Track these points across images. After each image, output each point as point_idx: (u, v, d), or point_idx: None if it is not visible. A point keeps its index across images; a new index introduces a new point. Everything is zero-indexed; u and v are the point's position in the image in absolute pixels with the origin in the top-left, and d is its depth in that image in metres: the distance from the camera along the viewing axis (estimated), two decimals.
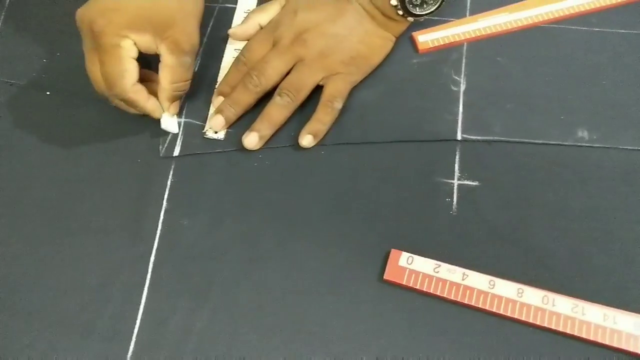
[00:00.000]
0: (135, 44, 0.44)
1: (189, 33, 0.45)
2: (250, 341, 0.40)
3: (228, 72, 0.50)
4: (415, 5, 0.48)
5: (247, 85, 0.47)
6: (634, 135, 0.45)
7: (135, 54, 0.44)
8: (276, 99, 0.47)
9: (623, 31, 0.50)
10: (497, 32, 0.50)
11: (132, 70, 0.44)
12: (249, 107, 0.48)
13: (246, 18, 0.52)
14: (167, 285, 0.42)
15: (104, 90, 0.45)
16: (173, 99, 0.47)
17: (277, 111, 0.47)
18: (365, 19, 0.49)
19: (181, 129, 0.48)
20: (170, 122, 0.47)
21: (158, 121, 0.47)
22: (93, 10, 0.43)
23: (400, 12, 0.48)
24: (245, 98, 0.47)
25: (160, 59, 0.45)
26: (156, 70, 0.46)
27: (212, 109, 0.49)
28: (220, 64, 0.51)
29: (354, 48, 0.48)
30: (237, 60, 0.50)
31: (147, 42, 0.44)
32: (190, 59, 0.45)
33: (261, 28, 0.51)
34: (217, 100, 0.49)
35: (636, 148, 0.44)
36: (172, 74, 0.45)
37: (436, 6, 0.48)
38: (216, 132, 0.48)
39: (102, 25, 0.42)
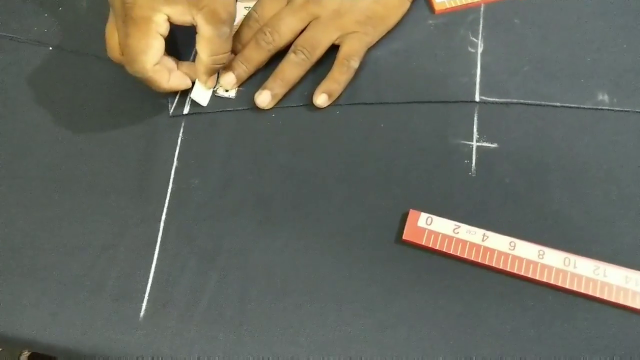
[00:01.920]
0: (168, 18, 0.41)
1: (226, 1, 0.42)
2: (261, 304, 0.39)
3: (239, 28, 0.48)
4: None
5: (260, 42, 0.46)
6: None
7: (165, 31, 0.41)
8: (290, 56, 0.45)
9: None
10: None
11: (157, 47, 0.41)
12: (261, 65, 0.47)
13: None
14: (177, 245, 0.41)
15: (119, 60, 0.43)
16: (212, 72, 0.45)
17: (291, 69, 0.45)
18: None
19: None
20: (202, 94, 0.46)
21: None
22: None
23: None
24: (257, 55, 0.46)
25: (197, 31, 0.42)
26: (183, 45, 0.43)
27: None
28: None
29: (370, 8, 0.47)
30: (249, 16, 0.48)
31: (182, 12, 0.41)
32: (228, 29, 0.42)
33: None
34: None
35: None
36: (211, 46, 0.42)
37: None
38: (227, 91, 0.46)
39: None
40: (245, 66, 0.46)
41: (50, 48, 0.49)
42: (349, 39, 0.46)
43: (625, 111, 0.43)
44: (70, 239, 0.41)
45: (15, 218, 0.42)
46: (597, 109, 0.44)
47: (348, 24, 0.46)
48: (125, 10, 0.40)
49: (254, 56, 0.46)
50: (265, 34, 0.46)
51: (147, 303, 0.39)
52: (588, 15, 0.48)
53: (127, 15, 0.40)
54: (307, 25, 0.46)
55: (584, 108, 0.44)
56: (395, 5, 0.48)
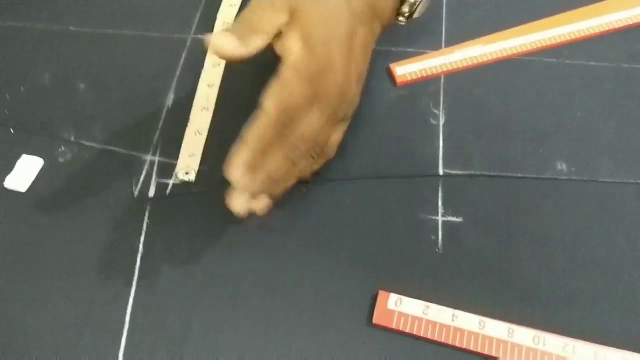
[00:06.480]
0: None
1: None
2: None
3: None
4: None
5: None
6: (608, 167, 0.45)
7: None
8: None
9: (592, 63, 0.51)
10: (472, 64, 0.50)
11: None
12: None
13: None
14: (145, 328, 0.40)
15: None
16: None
17: None
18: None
19: (155, 168, 0.46)
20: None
21: (134, 160, 0.46)
22: None
23: None
24: None
25: None
26: None
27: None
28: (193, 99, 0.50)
29: None
30: None
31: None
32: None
33: None
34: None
35: (611, 180, 0.45)
36: None
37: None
38: (187, 173, 0.46)
39: None
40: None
41: (12, 130, 0.49)
42: None
43: (583, 180, 0.45)
44: (33, 325, 0.40)
45: None
46: (556, 179, 0.45)
47: None
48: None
49: None
50: None
51: None
52: (542, 85, 0.50)
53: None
54: None
55: (545, 178, 0.45)
56: None
